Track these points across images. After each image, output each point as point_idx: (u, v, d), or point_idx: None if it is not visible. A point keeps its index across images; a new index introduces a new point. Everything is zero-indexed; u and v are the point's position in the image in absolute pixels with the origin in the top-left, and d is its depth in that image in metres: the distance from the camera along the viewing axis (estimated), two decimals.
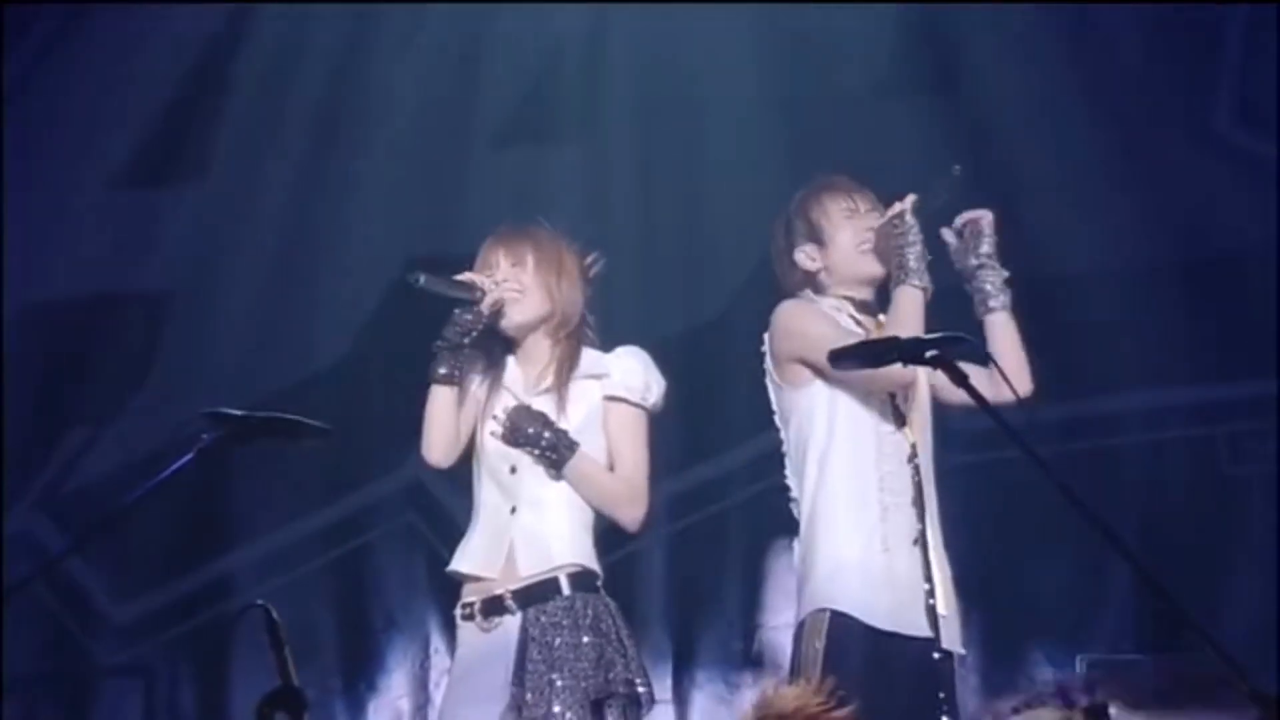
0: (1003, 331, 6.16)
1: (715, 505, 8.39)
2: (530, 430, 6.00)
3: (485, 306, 6.06)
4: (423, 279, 6.07)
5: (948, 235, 6.22)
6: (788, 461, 6.22)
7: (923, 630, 6.03)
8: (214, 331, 8.63)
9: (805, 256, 6.24)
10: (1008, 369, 5.83)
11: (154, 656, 8.61)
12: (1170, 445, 8.38)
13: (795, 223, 6.27)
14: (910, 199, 6.14)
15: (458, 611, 6.09)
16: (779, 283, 6.28)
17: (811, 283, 6.25)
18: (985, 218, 6.21)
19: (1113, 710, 5.14)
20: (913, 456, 6.15)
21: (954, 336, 5.52)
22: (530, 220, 6.25)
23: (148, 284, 8.77)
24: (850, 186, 6.31)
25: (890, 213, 6.16)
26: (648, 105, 8.61)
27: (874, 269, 6.20)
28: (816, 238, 6.24)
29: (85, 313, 8.73)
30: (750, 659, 8.34)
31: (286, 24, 8.72)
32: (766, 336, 6.23)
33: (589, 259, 6.22)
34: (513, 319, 6.11)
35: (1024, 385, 6.08)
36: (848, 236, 6.22)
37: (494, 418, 6.07)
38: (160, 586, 8.59)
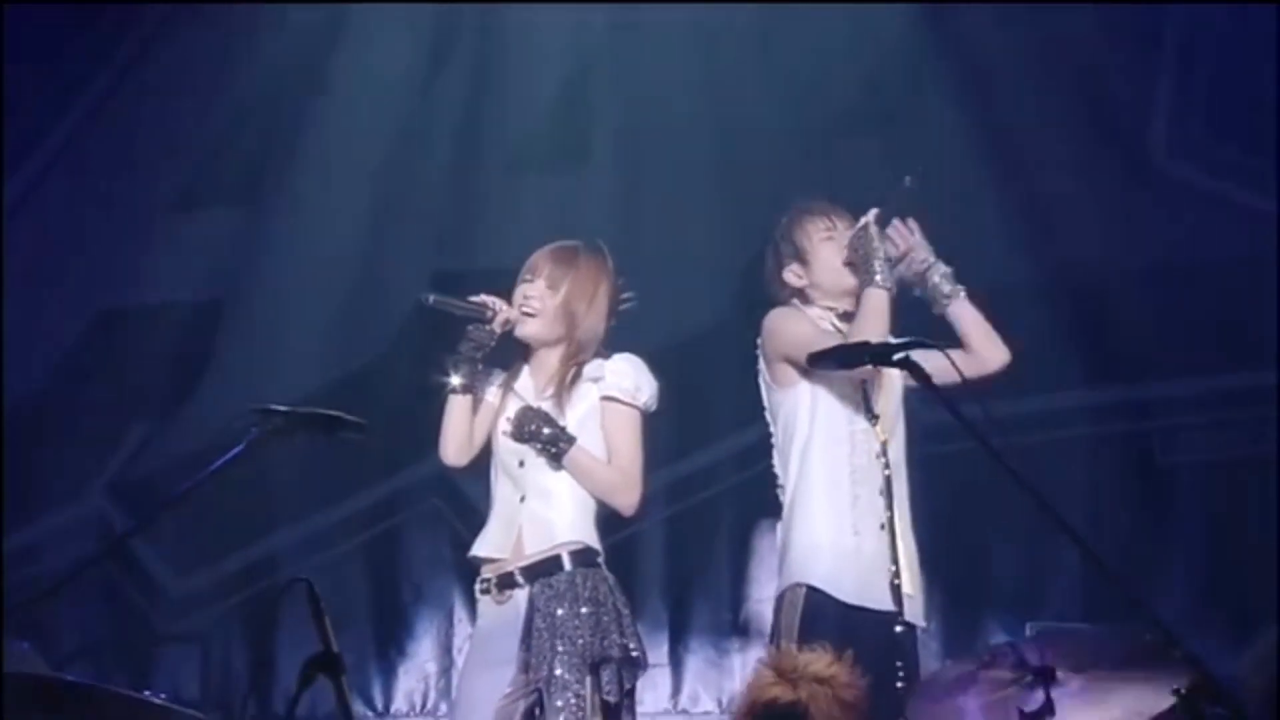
0: (967, 315, 6.15)
1: (706, 492, 8.37)
2: (532, 427, 6.00)
3: (497, 325, 6.04)
4: (432, 299, 6.05)
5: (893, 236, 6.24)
6: (776, 453, 6.22)
7: (886, 605, 6.04)
8: (261, 337, 8.62)
9: (793, 275, 6.27)
10: (978, 344, 6.16)
11: (209, 625, 8.59)
12: (1110, 439, 8.38)
13: (781, 245, 6.30)
14: (873, 213, 6.18)
15: (477, 586, 6.10)
16: (773, 298, 6.29)
17: (800, 296, 6.26)
18: (912, 226, 6.23)
19: (1059, 674, 5.13)
20: (882, 452, 6.14)
21: (918, 341, 5.52)
22: (588, 245, 6.19)
23: (202, 295, 8.75)
24: (827, 209, 6.33)
25: (856, 226, 6.18)
26: (646, 135, 8.59)
27: (852, 281, 6.20)
28: (801, 258, 6.26)
29: (148, 320, 8.72)
30: (738, 628, 8.34)
31: (319, 63, 8.71)
32: (760, 340, 6.24)
33: (623, 296, 6.19)
34: (524, 331, 6.10)
35: (1000, 355, 6.12)
36: (828, 255, 6.25)
37: (506, 419, 6.07)
38: (214, 563, 8.57)
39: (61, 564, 8.33)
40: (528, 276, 6.12)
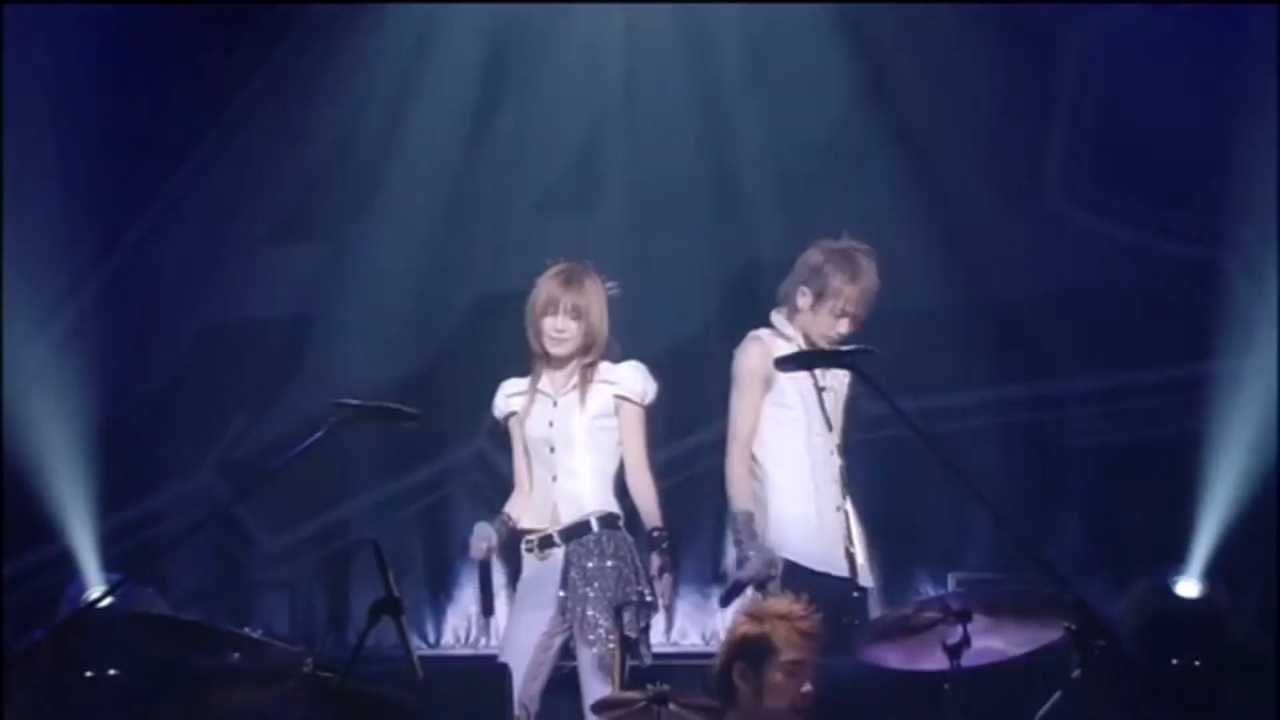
0: None
1: (692, 469, 8.35)
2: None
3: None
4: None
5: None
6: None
7: (844, 571, 6.10)
8: (338, 345, 8.62)
9: (803, 298, 6.20)
10: None
11: (296, 575, 8.59)
12: (1014, 426, 8.40)
13: (815, 271, 6.19)
14: None
15: (523, 546, 6.17)
16: (777, 295, 6.26)
17: (794, 316, 6.23)
18: None
19: (975, 615, 5.15)
20: (834, 451, 6.20)
21: (862, 349, 5.53)
22: (582, 267, 6.17)
23: (289, 311, 8.75)
24: (858, 269, 6.17)
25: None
26: (648, 184, 8.59)
27: (836, 333, 6.18)
28: (818, 293, 6.18)
29: (247, 332, 8.72)
30: (718, 578, 8.30)
31: (387, 120, 8.70)
32: (734, 363, 6.29)
33: (608, 286, 6.20)
34: (558, 351, 6.13)
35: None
36: (829, 307, 6.16)
37: (548, 422, 6.10)
38: (301, 524, 8.56)
39: (179, 527, 8.33)
40: (551, 310, 6.11)
